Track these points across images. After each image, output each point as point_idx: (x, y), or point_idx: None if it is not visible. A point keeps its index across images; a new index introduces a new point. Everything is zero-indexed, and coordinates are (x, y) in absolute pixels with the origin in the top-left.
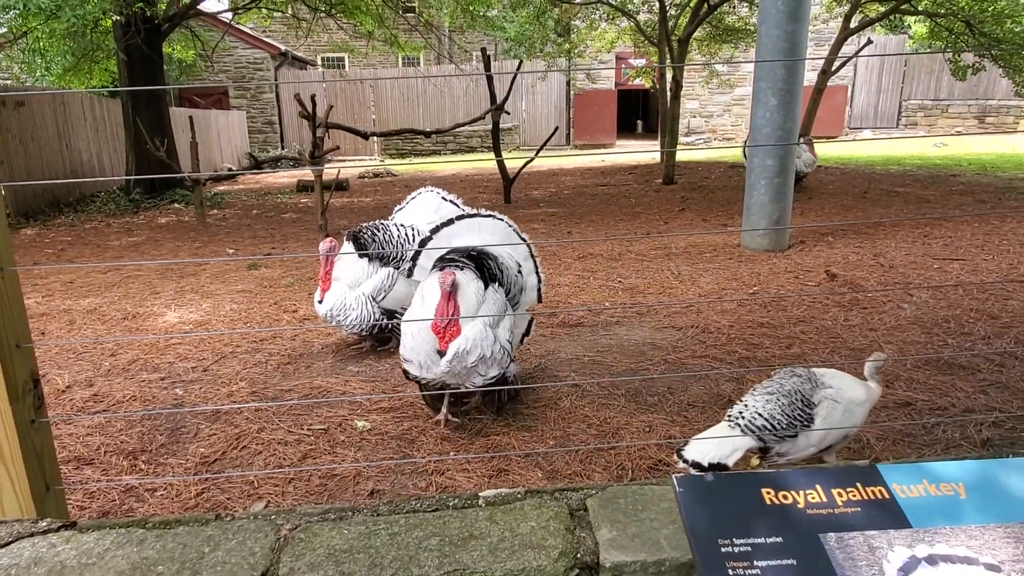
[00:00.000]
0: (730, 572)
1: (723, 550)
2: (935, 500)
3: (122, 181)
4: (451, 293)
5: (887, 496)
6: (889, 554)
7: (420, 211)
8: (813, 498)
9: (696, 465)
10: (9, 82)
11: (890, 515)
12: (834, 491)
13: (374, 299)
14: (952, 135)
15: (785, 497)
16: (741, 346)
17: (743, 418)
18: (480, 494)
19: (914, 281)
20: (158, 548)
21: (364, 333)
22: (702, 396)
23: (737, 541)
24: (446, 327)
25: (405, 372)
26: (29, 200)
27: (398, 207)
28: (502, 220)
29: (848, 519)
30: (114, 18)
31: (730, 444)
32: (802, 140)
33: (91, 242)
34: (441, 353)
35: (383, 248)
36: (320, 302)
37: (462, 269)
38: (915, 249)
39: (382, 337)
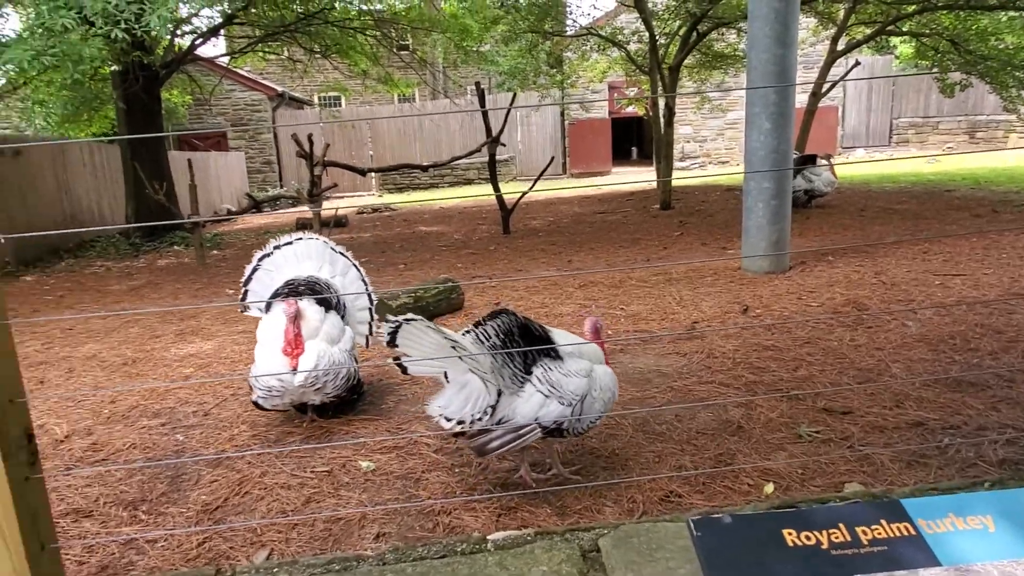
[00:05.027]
0: None
1: None
2: (964, 534)
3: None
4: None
5: (913, 532)
6: None
7: (306, 261)
8: (837, 538)
9: None
10: (8, 132)
11: (918, 553)
12: (858, 529)
13: (351, 354)
14: (945, 153)
15: (808, 538)
16: (747, 370)
17: None
18: (488, 537)
19: (917, 298)
20: None
21: (343, 393)
22: (711, 423)
23: None
24: None
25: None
26: (28, 248)
27: (261, 252)
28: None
29: (875, 559)
30: (112, 67)
31: None
32: (822, 160)
33: (91, 287)
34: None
35: (338, 300)
36: (294, 371)
37: None
38: (916, 266)
39: (348, 399)
